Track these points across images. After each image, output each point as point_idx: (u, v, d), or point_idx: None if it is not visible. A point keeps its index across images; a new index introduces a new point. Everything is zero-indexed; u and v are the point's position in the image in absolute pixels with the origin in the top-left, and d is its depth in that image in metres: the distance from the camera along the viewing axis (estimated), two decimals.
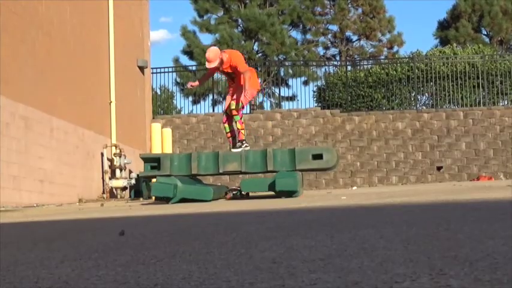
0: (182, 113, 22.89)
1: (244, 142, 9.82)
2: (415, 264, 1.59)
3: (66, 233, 3.72)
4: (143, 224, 4.12)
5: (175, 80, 25.08)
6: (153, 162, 9.62)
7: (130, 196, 13.56)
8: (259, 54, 28.61)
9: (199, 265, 1.82)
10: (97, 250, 2.37)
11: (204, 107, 49.31)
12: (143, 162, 9.76)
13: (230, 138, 9.98)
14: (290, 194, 8.39)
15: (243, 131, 9.88)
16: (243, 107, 9.98)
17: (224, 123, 10.01)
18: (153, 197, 9.92)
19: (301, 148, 10.01)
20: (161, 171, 9.35)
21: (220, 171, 9.36)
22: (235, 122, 9.79)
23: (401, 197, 5.71)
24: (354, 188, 16.43)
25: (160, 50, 61.64)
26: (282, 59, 27.75)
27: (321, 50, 31.84)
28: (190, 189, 8.66)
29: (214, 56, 9.48)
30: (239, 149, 9.62)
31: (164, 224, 4.00)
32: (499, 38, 29.51)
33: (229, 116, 9.84)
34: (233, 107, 9.69)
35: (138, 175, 9.65)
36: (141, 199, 11.96)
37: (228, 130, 10.00)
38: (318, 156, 9.24)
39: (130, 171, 14.00)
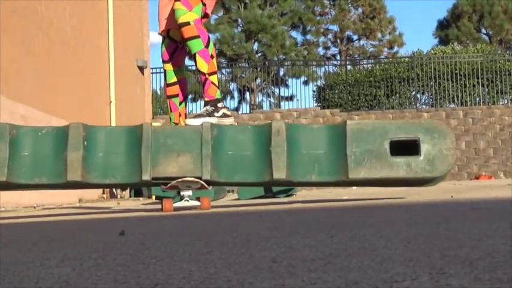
0: None
1: (220, 108, 4.79)
2: (415, 264, 1.59)
3: (66, 233, 3.72)
4: (143, 224, 4.12)
5: None
6: None
7: (130, 196, 13.57)
8: (259, 54, 28.60)
9: (200, 265, 1.82)
10: (97, 250, 2.37)
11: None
12: None
13: (172, 100, 5.07)
14: (287, 192, 8.28)
15: (214, 79, 4.74)
16: (206, 16, 4.88)
17: (165, 61, 5.04)
18: (153, 197, 9.92)
19: (361, 123, 4.68)
20: None
21: (145, 177, 4.48)
22: (195, 57, 4.69)
23: (401, 196, 5.71)
24: (354, 187, 16.43)
25: None
26: (282, 59, 27.74)
27: (321, 50, 31.88)
28: None
29: None
30: (205, 119, 4.60)
31: (164, 223, 4.00)
32: (499, 38, 29.52)
33: (173, 42, 4.98)
34: (181, 13, 4.65)
35: None
36: (141, 199, 11.97)
37: (171, 78, 5.00)
38: (406, 148, 4.54)
39: None
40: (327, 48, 32.06)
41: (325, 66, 25.63)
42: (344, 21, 30.84)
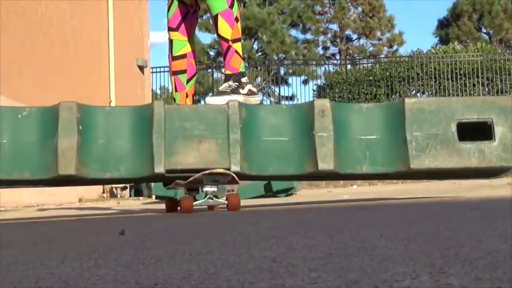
0: None
1: (244, 83, 4.08)
2: (415, 263, 1.59)
3: (66, 233, 3.72)
4: (143, 224, 4.12)
5: None
6: None
7: (130, 195, 13.57)
8: (259, 53, 28.61)
9: (200, 264, 1.82)
10: (97, 250, 2.37)
11: None
12: None
13: (179, 77, 4.21)
14: (287, 191, 8.29)
15: (238, 47, 4.09)
16: None
17: (173, 29, 4.18)
18: (153, 197, 9.92)
19: (423, 101, 3.89)
20: None
21: (158, 170, 3.59)
22: (216, 19, 3.96)
23: (401, 196, 5.71)
24: (354, 187, 16.46)
25: (164, 51, 61.88)
26: (282, 58, 27.77)
27: (320, 50, 31.90)
28: None
29: None
30: (230, 97, 3.84)
31: (164, 223, 4.00)
32: (499, 37, 29.54)
33: (184, 6, 4.19)
34: None
35: None
36: (141, 198, 11.97)
37: (179, 50, 4.12)
38: (474, 130, 3.77)
39: None
40: (326, 48, 32.09)
41: (325, 66, 25.65)
42: (343, 19, 30.85)
